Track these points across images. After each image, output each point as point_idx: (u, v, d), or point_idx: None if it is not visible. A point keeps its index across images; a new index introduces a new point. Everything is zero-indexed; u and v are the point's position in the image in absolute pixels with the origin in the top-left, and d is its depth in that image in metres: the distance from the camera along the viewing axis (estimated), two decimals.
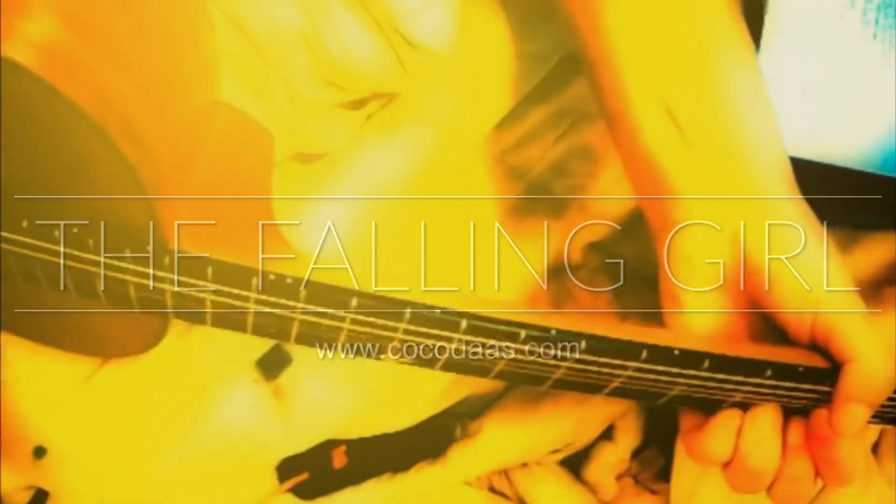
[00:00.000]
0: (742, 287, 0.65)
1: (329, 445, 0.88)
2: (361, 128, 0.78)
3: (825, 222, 0.66)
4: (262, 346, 0.76)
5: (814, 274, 0.63)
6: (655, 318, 0.69)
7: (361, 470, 0.92)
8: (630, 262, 0.92)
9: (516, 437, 0.95)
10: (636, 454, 1.02)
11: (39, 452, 0.77)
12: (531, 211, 0.85)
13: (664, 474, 0.99)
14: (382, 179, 0.76)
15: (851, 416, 0.62)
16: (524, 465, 1.00)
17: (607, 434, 1.01)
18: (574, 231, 0.88)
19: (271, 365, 0.77)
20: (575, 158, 0.85)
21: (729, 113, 0.65)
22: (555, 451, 0.99)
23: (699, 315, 0.66)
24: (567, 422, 0.96)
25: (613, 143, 0.69)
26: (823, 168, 0.89)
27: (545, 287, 0.90)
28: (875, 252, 0.93)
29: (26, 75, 0.46)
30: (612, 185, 0.87)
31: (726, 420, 0.65)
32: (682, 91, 0.64)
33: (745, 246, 0.64)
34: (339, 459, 0.89)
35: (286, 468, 0.88)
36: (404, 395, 0.85)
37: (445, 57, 0.74)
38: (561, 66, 0.81)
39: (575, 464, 1.01)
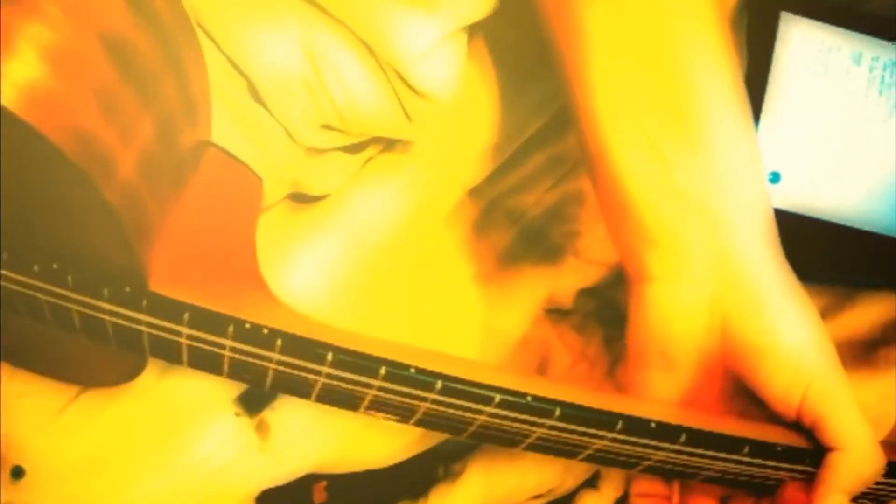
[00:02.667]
0: (721, 355, 0.65)
1: (309, 480, 0.87)
2: (359, 171, 0.78)
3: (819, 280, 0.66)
4: None
5: (802, 351, 0.63)
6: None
7: None
8: (622, 308, 0.92)
9: (499, 481, 0.94)
10: (620, 503, 1.00)
11: (17, 473, 0.77)
12: (525, 256, 0.84)
13: None
14: (377, 223, 0.76)
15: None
16: None
17: (591, 482, 0.99)
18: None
19: (254, 399, 0.77)
20: (570, 204, 0.85)
21: (720, 171, 0.64)
22: (537, 497, 0.98)
23: (667, 382, 0.66)
24: (551, 468, 0.95)
25: (595, 191, 0.68)
26: (822, 224, 0.88)
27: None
28: (870, 311, 0.93)
29: (8, 117, 0.45)
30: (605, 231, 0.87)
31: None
32: (675, 142, 0.63)
33: (727, 315, 0.63)
34: (318, 495, 0.90)
35: (266, 501, 0.87)
36: (387, 432, 0.84)
37: (448, 103, 0.73)
38: (561, 113, 0.80)
39: None
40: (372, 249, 0.76)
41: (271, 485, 0.84)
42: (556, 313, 0.92)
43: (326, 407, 0.74)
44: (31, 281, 0.56)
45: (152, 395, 0.75)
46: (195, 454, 0.77)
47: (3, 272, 0.55)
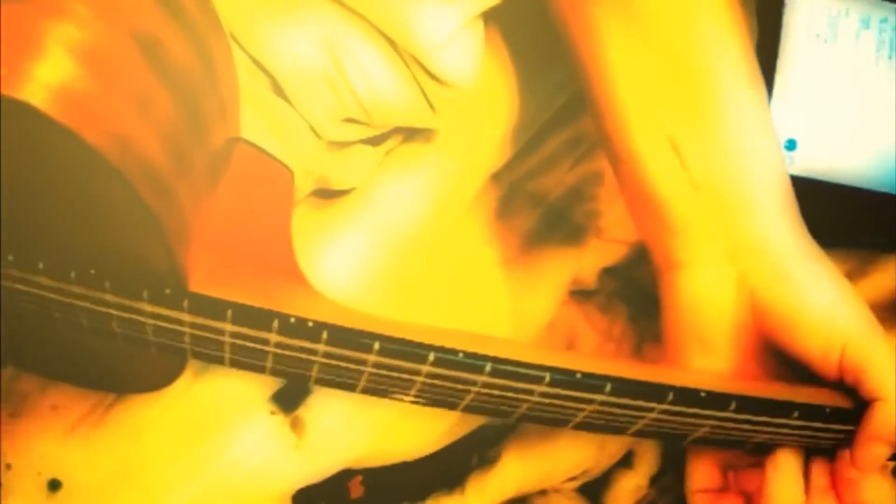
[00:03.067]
0: (757, 330, 0.65)
1: (345, 476, 0.87)
2: (381, 163, 0.77)
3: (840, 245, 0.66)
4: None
5: (833, 310, 0.63)
6: None
7: (378, 501, 0.92)
8: (645, 286, 0.92)
9: (534, 465, 0.94)
10: (655, 481, 1.01)
11: (54, 486, 0.77)
12: (548, 238, 0.85)
13: (682, 501, 0.99)
14: (402, 214, 0.76)
15: (874, 455, 0.62)
16: (542, 492, 0.99)
17: (626, 461, 1.00)
18: None
19: (289, 397, 0.77)
20: (590, 184, 0.85)
21: (735, 154, 0.65)
22: (572, 479, 0.99)
23: (707, 364, 0.66)
24: (585, 449, 0.95)
25: (617, 181, 0.69)
26: (838, 188, 0.88)
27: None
28: (891, 273, 0.92)
29: (43, 119, 0.45)
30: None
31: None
32: (689, 130, 0.64)
33: (755, 289, 0.64)
34: (355, 490, 0.89)
35: (302, 500, 0.87)
36: (420, 423, 0.85)
37: (469, 90, 0.73)
38: (577, 95, 0.81)
39: (593, 491, 1.00)
40: (399, 240, 0.76)
41: (308, 482, 0.84)
42: (580, 294, 0.92)
43: (360, 402, 0.74)
44: (68, 287, 0.55)
45: (186, 398, 0.75)
46: (231, 456, 0.77)
47: (41, 280, 0.55)
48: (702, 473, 0.69)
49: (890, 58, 0.87)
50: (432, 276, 0.79)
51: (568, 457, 0.95)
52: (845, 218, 0.88)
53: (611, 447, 0.97)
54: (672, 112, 0.64)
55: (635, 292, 0.94)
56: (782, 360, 0.66)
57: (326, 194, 0.78)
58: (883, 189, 0.89)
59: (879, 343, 0.63)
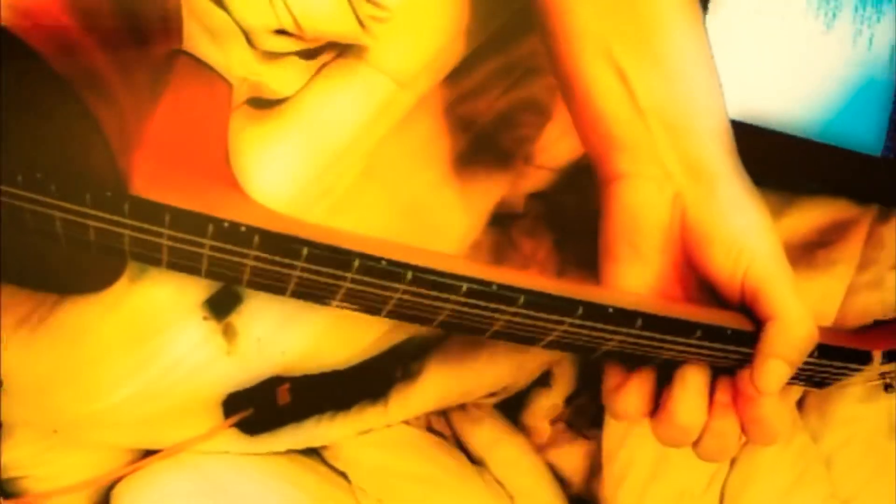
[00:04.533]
0: (682, 247, 0.68)
1: (274, 383, 0.90)
2: (315, 76, 0.79)
3: (761, 185, 0.70)
4: (213, 285, 0.78)
5: (747, 233, 0.66)
6: (594, 270, 0.72)
7: (304, 408, 0.94)
8: (571, 213, 0.94)
9: (455, 380, 0.98)
10: (570, 400, 1.05)
11: None
12: (477, 161, 0.87)
13: (597, 421, 1.02)
14: (335, 126, 0.77)
15: (771, 373, 0.65)
16: (462, 406, 1.02)
17: (543, 380, 1.03)
18: None
19: (221, 304, 0.78)
20: (522, 111, 0.87)
21: (679, 82, 0.68)
22: (491, 395, 1.02)
23: (636, 274, 0.69)
24: (505, 366, 0.99)
25: (565, 101, 0.71)
26: (762, 131, 0.91)
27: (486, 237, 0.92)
28: (808, 215, 0.96)
29: None
30: (557, 137, 0.90)
31: (641, 381, 0.69)
32: (637, 58, 0.67)
33: (686, 206, 0.67)
34: (282, 396, 0.91)
35: (231, 404, 0.90)
36: (348, 334, 0.87)
37: (400, 9, 0.75)
38: (513, 20, 0.83)
39: (511, 408, 1.04)
40: (330, 152, 0.77)
41: (238, 388, 0.87)
42: (507, 217, 0.94)
43: (290, 311, 0.77)
44: (15, 191, 0.57)
45: (123, 302, 0.76)
46: (166, 359, 0.79)
47: None
48: (612, 373, 0.71)
49: (818, 7, 0.90)
50: (361, 190, 0.80)
51: (488, 373, 0.98)
52: (768, 160, 0.91)
53: (529, 365, 1.01)
54: (622, 41, 0.67)
55: (561, 218, 0.96)
56: (700, 286, 0.70)
57: (260, 104, 0.79)
58: (803, 134, 0.92)
59: (781, 269, 0.66)
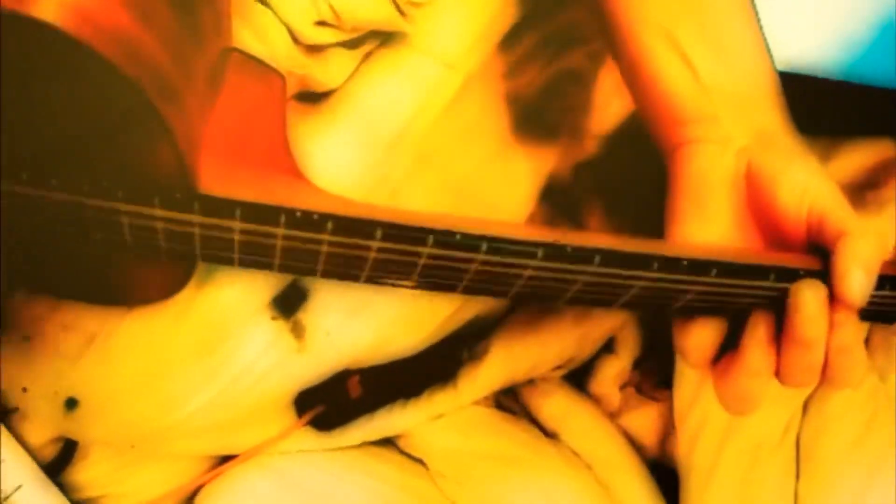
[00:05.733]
0: (747, 197, 0.69)
1: (343, 376, 0.89)
2: (361, 65, 0.80)
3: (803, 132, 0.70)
4: (278, 284, 0.78)
5: (808, 176, 0.67)
6: (646, 233, 0.72)
7: (375, 399, 0.94)
8: (619, 179, 0.95)
9: (521, 356, 0.98)
10: (637, 365, 1.05)
11: (71, 404, 0.80)
12: (525, 136, 0.87)
13: (666, 382, 1.02)
14: (386, 114, 0.78)
15: (855, 281, 0.64)
16: (530, 381, 1.03)
17: (608, 347, 1.03)
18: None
19: (288, 302, 0.79)
20: (565, 82, 0.87)
21: (734, 55, 0.71)
22: (558, 368, 1.02)
23: (701, 232, 0.70)
24: (569, 337, 0.99)
25: (627, 83, 0.74)
26: (803, 78, 0.91)
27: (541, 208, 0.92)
28: (853, 159, 0.96)
29: (60, 36, 0.47)
30: (601, 105, 0.90)
31: (713, 323, 0.69)
32: (694, 39, 0.70)
33: (750, 156, 0.68)
34: (353, 389, 0.91)
35: (303, 402, 0.90)
36: (414, 320, 0.87)
37: None
38: None
39: (579, 378, 1.04)
40: (383, 140, 0.78)
41: (309, 384, 0.87)
42: (557, 188, 0.95)
43: (356, 302, 0.77)
44: (81, 200, 0.58)
45: (191, 310, 0.77)
46: (238, 363, 0.80)
47: (55, 195, 0.57)
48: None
49: None
50: (416, 175, 0.81)
51: (553, 346, 0.99)
52: (809, 106, 0.91)
53: (593, 334, 1.01)
54: (681, 25, 0.70)
55: (610, 185, 0.97)
56: (762, 237, 0.70)
57: (309, 98, 0.79)
58: (842, 78, 0.92)
59: (842, 202, 0.68)
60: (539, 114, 0.87)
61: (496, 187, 0.85)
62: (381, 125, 0.77)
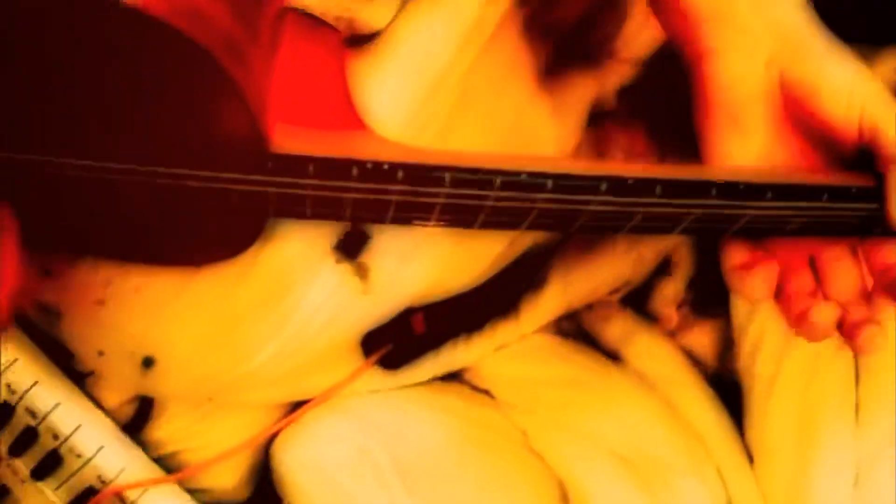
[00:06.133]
0: (784, 107, 0.69)
1: (407, 315, 0.91)
2: (403, 6, 0.80)
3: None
4: (339, 230, 0.80)
5: (852, 78, 0.68)
6: (692, 155, 0.73)
7: (440, 335, 0.96)
8: (661, 101, 0.95)
9: (579, 281, 0.99)
10: (692, 283, 1.06)
11: (148, 363, 0.82)
12: (564, 67, 0.88)
13: (722, 299, 1.04)
14: (431, 52, 0.78)
15: None
16: (589, 307, 1.05)
17: (663, 269, 1.05)
18: None
19: (351, 245, 0.80)
20: (599, 10, 0.87)
21: None
22: (615, 291, 1.04)
23: (741, 148, 0.70)
24: (624, 261, 1.01)
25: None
26: None
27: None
28: (889, 65, 0.96)
29: (129, 10, 0.48)
30: (637, 29, 0.90)
31: (767, 264, 0.71)
32: None
33: (783, 68, 0.68)
34: (418, 326, 0.93)
35: (369, 343, 0.92)
36: (472, 254, 0.88)
37: None
38: None
39: (637, 300, 1.06)
40: (431, 78, 0.78)
41: (374, 325, 0.88)
42: (601, 115, 0.96)
43: (416, 241, 0.79)
44: (154, 169, 0.59)
45: (258, 263, 0.78)
46: (306, 309, 0.81)
47: (132, 167, 0.59)
48: (735, 252, 0.73)
49: None
50: (461, 114, 0.81)
51: (609, 270, 1.00)
52: (842, 15, 0.91)
53: (648, 257, 1.02)
54: None
55: (652, 108, 0.97)
56: (806, 150, 0.71)
57: (356, 41, 0.80)
58: None
59: (893, 107, 0.68)
60: (576, 44, 0.88)
61: (541, 122, 0.86)
62: (426, 64, 0.77)
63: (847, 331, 0.70)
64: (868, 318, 0.70)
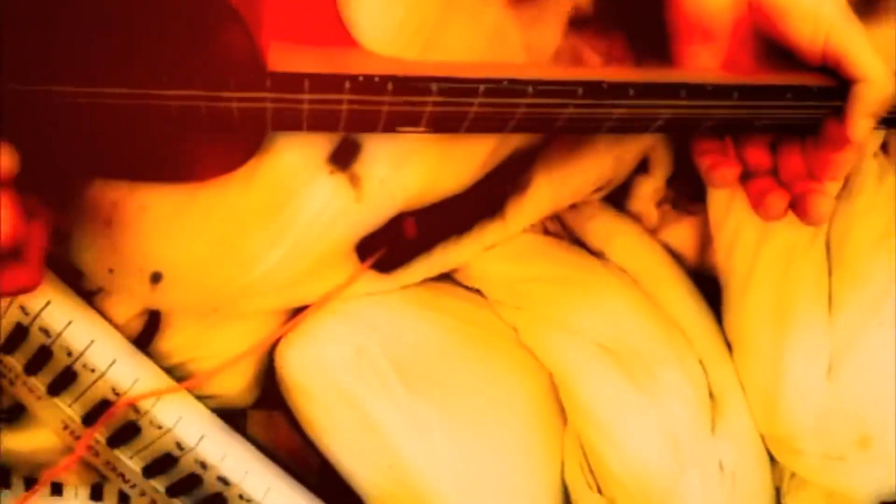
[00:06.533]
0: (751, 22, 0.73)
1: (399, 220, 0.94)
2: None
3: None
4: (333, 141, 0.82)
5: (819, 5, 0.71)
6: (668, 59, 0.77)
7: (431, 237, 0.99)
8: (639, 7, 0.97)
9: (563, 182, 1.02)
10: (671, 181, 1.09)
11: (156, 278, 0.85)
12: None
13: (699, 196, 1.07)
14: None
15: (863, 128, 0.72)
16: (573, 206, 1.08)
17: (643, 168, 1.08)
18: None
19: (344, 155, 0.83)
20: None
21: None
22: (598, 190, 1.07)
23: (708, 54, 0.74)
24: (605, 160, 1.03)
25: None
26: None
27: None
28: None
29: None
30: None
31: (733, 155, 0.76)
32: None
33: None
34: (409, 230, 0.96)
35: (364, 248, 0.95)
36: (459, 159, 0.91)
37: None
38: None
39: (618, 198, 1.09)
40: None
41: (368, 231, 0.91)
42: (580, 22, 0.98)
43: (404, 148, 0.82)
44: (161, 92, 0.63)
45: (256, 176, 0.81)
46: (304, 218, 0.84)
47: (134, 90, 0.63)
48: (705, 140, 0.78)
49: None
50: (445, 24, 0.82)
51: (591, 170, 1.03)
52: None
53: (627, 156, 1.05)
54: None
55: (630, 14, 0.99)
56: (770, 53, 0.75)
57: None
58: None
59: (857, 32, 0.72)
60: None
61: (523, 26, 0.88)
62: None
63: (797, 203, 0.75)
64: (814, 188, 0.74)
